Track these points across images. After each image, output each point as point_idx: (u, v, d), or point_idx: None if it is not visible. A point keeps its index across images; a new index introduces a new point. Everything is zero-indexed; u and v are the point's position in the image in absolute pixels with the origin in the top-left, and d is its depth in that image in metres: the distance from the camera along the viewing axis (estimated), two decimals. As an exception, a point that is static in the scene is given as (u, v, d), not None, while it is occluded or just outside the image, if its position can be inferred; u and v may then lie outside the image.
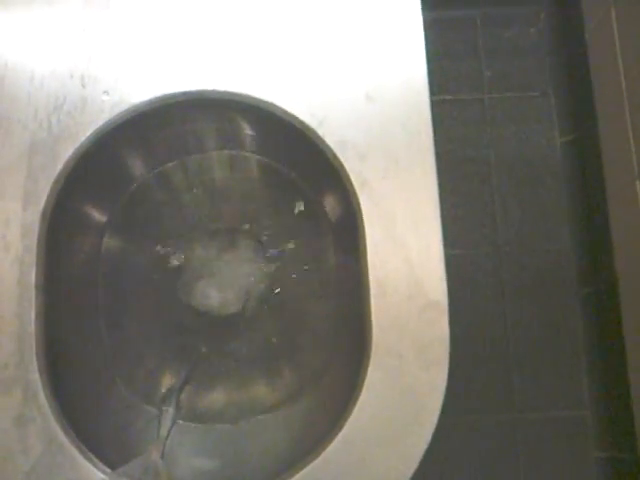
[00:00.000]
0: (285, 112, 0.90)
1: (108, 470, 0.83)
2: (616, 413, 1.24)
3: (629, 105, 1.19)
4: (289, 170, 0.99)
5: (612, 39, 1.22)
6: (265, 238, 0.99)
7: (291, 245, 0.99)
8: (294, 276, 0.98)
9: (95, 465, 0.82)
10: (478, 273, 1.29)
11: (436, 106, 1.29)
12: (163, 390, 0.95)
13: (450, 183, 1.29)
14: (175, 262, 0.98)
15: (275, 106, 0.90)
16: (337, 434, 0.83)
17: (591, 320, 1.28)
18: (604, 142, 1.25)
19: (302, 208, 0.98)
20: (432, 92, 1.26)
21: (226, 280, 0.97)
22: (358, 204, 0.87)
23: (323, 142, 0.89)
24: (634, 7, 1.18)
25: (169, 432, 0.89)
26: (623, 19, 1.20)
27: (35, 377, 0.83)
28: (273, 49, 0.91)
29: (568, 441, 1.26)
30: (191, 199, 0.98)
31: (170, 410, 0.90)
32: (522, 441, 1.25)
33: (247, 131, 0.97)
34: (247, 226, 0.99)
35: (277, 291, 0.97)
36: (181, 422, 0.93)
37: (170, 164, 0.98)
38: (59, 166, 0.87)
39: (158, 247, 0.98)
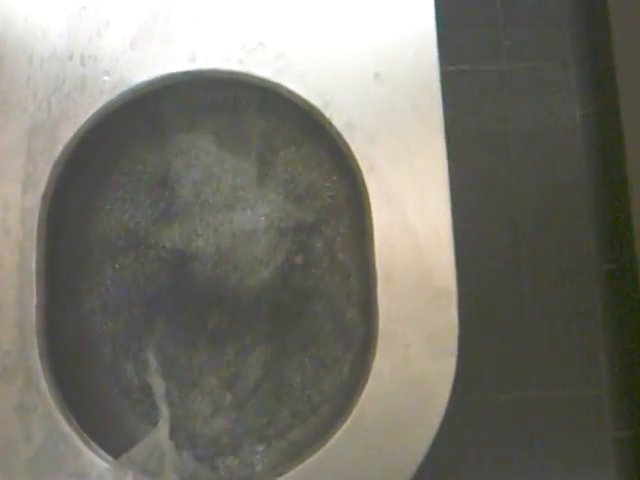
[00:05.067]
0: (291, 92, 0.87)
1: (111, 459, 0.82)
2: (633, 393, 1.22)
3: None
4: (293, 153, 0.96)
5: (636, 7, 1.18)
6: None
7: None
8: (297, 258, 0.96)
9: (97, 454, 0.82)
10: (494, 248, 1.26)
11: (453, 77, 1.27)
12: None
13: (467, 156, 1.26)
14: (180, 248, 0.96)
15: (280, 86, 0.87)
16: (343, 423, 0.81)
17: (609, 298, 1.25)
18: (625, 114, 1.21)
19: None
20: (449, 62, 1.25)
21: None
22: (365, 188, 0.85)
23: (330, 124, 0.87)
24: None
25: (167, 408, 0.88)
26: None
27: (36, 365, 0.82)
28: (277, 27, 0.88)
29: (584, 420, 1.24)
30: (191, 179, 0.95)
31: (162, 385, 0.89)
32: (537, 420, 1.24)
33: (251, 113, 0.95)
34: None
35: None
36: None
37: (172, 147, 0.95)
38: (59, 149, 0.86)
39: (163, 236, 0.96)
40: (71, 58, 0.87)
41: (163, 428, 0.87)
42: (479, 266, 1.26)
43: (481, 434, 1.24)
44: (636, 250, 1.19)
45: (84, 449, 0.82)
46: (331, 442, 0.81)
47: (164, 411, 0.88)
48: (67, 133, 0.86)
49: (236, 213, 0.95)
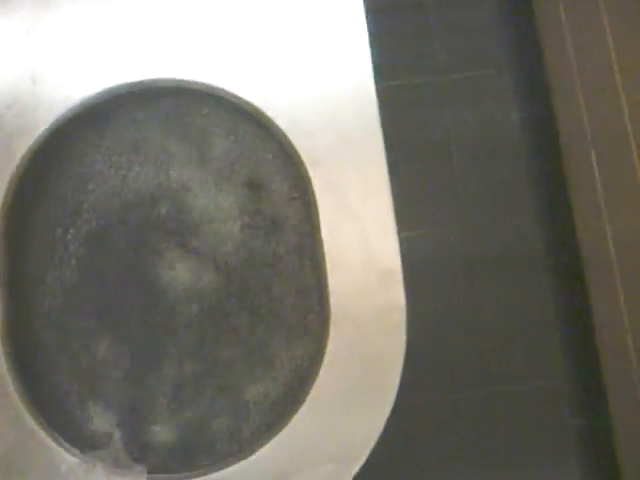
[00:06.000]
0: (235, 96, 0.92)
1: (79, 453, 0.85)
2: (588, 382, 1.26)
3: (579, 77, 1.22)
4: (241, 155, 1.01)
5: (558, 13, 1.25)
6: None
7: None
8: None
9: (66, 449, 0.85)
10: (445, 251, 1.31)
11: (393, 90, 1.33)
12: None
13: (413, 165, 1.31)
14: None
15: (225, 91, 0.92)
16: (302, 404, 0.85)
17: (559, 291, 1.30)
18: (559, 115, 1.28)
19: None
20: (388, 77, 1.31)
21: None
22: (309, 180, 0.89)
23: (272, 122, 0.91)
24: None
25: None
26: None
27: (3, 368, 0.85)
28: (220, 36, 0.93)
29: (544, 411, 1.28)
30: (145, 185, 0.99)
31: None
32: (498, 413, 1.27)
33: (200, 117, 0.99)
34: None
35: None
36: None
37: (124, 156, 0.99)
38: (15, 163, 0.90)
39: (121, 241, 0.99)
40: (21, 76, 0.91)
41: (117, 443, 0.90)
42: (430, 270, 1.31)
43: (445, 431, 1.27)
44: (579, 242, 1.24)
45: (53, 445, 0.85)
46: (292, 422, 0.85)
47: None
48: (21, 148, 0.90)
49: (193, 213, 0.99)
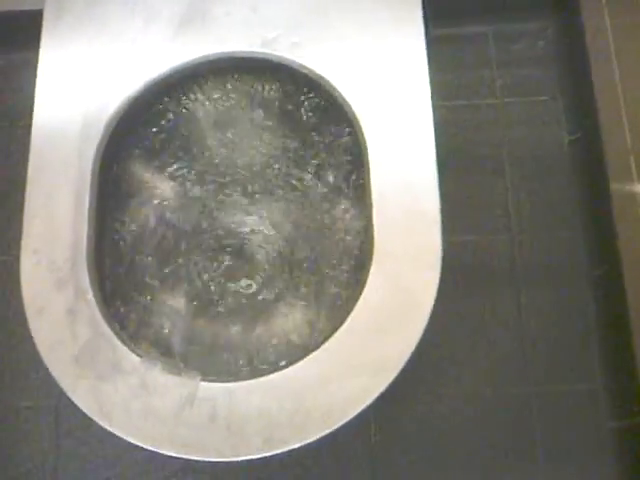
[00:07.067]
0: (302, 66, 1.06)
1: (142, 354, 0.95)
2: (625, 385, 1.31)
3: (625, 105, 1.32)
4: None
5: (608, 47, 1.37)
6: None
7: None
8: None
9: (131, 349, 0.96)
10: (493, 258, 1.40)
11: (453, 110, 1.45)
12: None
13: (467, 178, 1.41)
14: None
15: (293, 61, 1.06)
16: (342, 325, 0.95)
17: (601, 300, 1.37)
18: (606, 139, 1.37)
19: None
20: (449, 98, 1.44)
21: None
22: (363, 135, 1.02)
23: (334, 88, 1.05)
24: (626, 16, 1.34)
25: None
26: (617, 27, 1.35)
27: (84, 277, 0.97)
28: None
29: (581, 412, 1.32)
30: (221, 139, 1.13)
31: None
32: (537, 413, 1.32)
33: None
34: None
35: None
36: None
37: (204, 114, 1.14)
38: (110, 112, 1.04)
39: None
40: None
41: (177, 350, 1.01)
42: (478, 273, 1.39)
43: (482, 429, 1.33)
44: (620, 256, 1.32)
45: (120, 345, 0.95)
46: (331, 339, 0.94)
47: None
48: (116, 101, 1.05)
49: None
